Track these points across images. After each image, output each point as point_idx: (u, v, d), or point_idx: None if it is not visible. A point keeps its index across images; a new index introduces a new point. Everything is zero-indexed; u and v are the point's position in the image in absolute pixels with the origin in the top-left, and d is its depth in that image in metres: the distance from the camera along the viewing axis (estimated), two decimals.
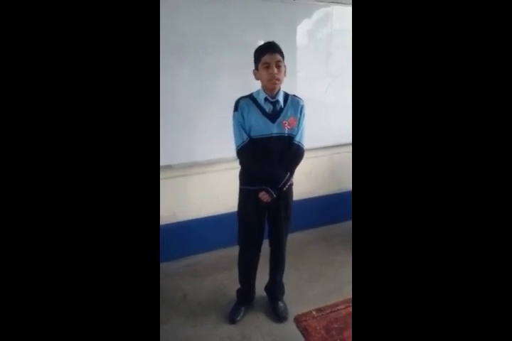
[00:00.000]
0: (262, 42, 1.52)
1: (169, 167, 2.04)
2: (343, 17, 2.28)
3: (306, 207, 2.52)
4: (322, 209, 2.64)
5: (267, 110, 1.52)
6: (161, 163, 1.79)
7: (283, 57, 1.48)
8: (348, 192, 2.61)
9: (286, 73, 1.53)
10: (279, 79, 1.47)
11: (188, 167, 2.15)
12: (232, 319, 1.73)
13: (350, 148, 2.51)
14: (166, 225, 2.11)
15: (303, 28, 2.24)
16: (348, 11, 2.26)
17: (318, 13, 2.26)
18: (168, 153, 1.85)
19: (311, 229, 2.62)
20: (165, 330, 1.64)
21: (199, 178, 2.22)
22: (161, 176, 1.75)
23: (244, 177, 1.62)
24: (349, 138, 2.13)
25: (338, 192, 2.69)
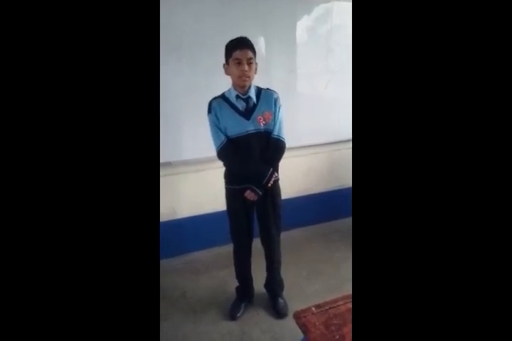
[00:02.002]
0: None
1: (168, 164, 2.03)
2: (344, 13, 2.27)
3: (305, 203, 2.53)
4: (321, 206, 2.64)
5: (240, 108, 1.50)
6: (160, 160, 1.79)
7: (255, 53, 1.45)
8: (347, 189, 2.61)
9: (258, 70, 1.50)
10: (249, 77, 1.44)
11: (187, 164, 2.15)
12: (232, 315, 1.74)
13: (349, 145, 2.51)
14: (165, 222, 2.11)
15: (303, 24, 2.22)
16: (348, 6, 2.24)
17: (318, 9, 2.25)
18: (167, 150, 1.84)
19: (310, 226, 2.63)
20: (165, 327, 1.65)
21: (198, 175, 2.21)
22: (160, 173, 1.75)
23: (229, 177, 1.61)
24: (348, 135, 2.13)
25: (337, 188, 2.69)
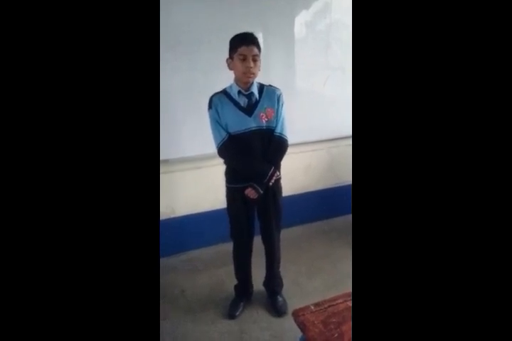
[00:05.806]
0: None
1: (166, 161, 2.02)
2: (343, 8, 2.25)
3: (304, 201, 2.52)
4: (320, 203, 2.64)
5: (242, 104, 1.47)
6: None
7: (260, 50, 1.43)
8: (346, 186, 2.60)
9: (261, 67, 1.47)
10: (253, 73, 1.42)
11: (185, 161, 2.13)
12: (231, 314, 1.73)
13: (348, 142, 2.50)
14: (163, 220, 2.10)
15: (301, 20, 2.20)
16: (347, 1, 2.22)
17: (317, 4, 2.23)
18: (165, 147, 1.82)
19: (310, 223, 2.62)
20: (163, 326, 1.64)
21: (196, 173, 2.20)
22: None
23: (230, 176, 1.59)
24: (348, 132, 2.11)
25: (336, 185, 2.68)
